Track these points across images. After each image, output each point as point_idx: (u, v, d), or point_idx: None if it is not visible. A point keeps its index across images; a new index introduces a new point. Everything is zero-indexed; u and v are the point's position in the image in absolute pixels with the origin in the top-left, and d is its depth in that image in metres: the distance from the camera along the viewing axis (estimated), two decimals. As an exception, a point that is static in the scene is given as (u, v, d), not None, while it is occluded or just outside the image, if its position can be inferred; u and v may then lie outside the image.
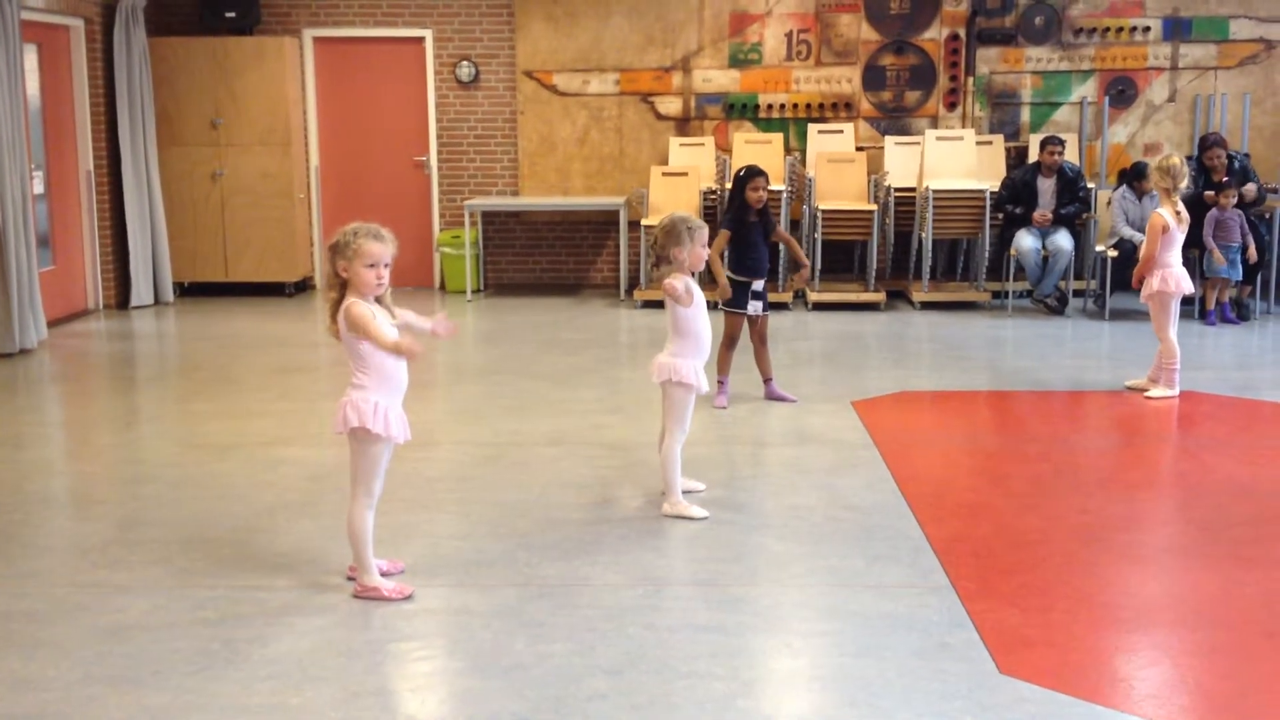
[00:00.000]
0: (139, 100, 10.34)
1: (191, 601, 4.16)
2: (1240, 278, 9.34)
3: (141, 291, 10.46)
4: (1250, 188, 9.30)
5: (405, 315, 4.24)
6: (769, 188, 6.95)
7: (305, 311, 10.31)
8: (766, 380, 7.01)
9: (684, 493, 5.10)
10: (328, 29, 11.25)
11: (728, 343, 6.84)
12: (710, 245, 5.30)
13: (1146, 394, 7.01)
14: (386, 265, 4.04)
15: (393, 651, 3.81)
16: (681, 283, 4.93)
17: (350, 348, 4.06)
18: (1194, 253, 9.07)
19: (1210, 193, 9.19)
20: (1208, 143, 9.46)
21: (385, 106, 11.40)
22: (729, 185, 9.94)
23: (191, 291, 11.07)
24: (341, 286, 4.03)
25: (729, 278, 6.90)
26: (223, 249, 10.97)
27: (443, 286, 11.35)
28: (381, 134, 11.44)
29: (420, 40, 11.24)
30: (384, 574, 4.25)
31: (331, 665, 3.68)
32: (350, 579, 4.26)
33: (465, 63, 11.21)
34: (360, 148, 11.46)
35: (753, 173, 6.89)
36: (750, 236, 6.86)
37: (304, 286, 11.23)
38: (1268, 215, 9.65)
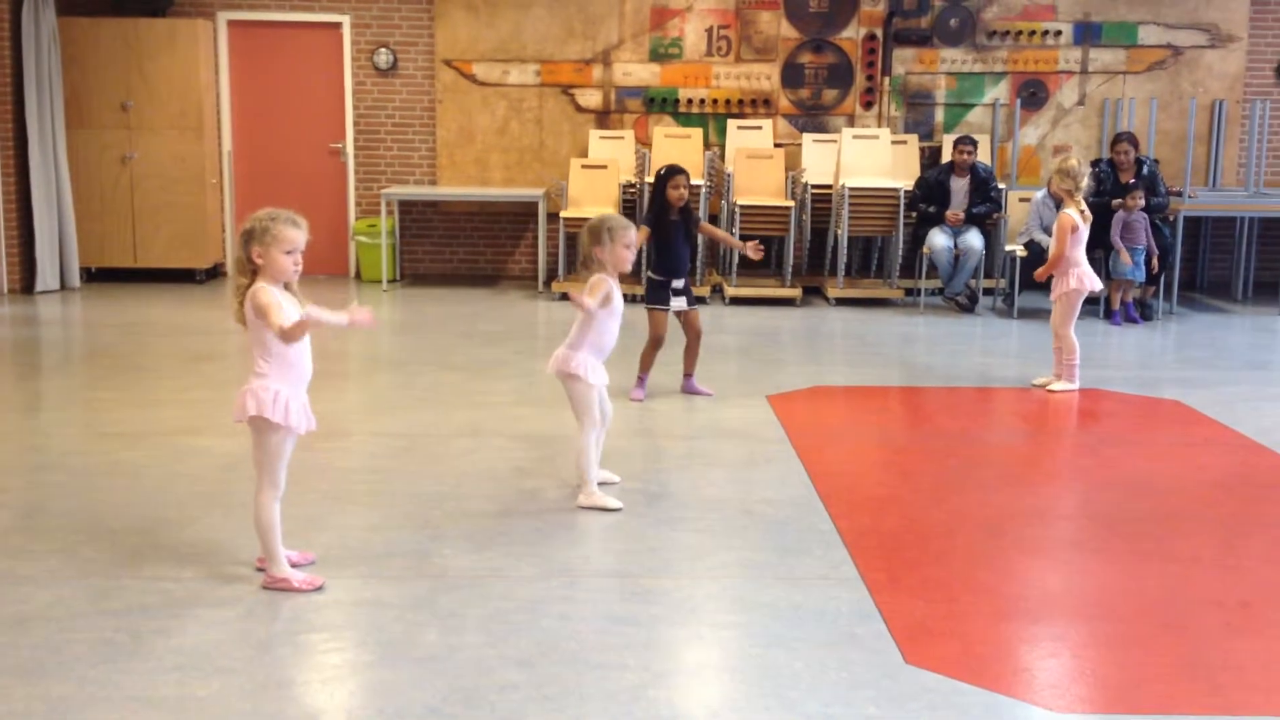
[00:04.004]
0: (47, 81, 10.12)
1: (96, 592, 4.09)
2: (1144, 279, 9.57)
3: (47, 276, 10.23)
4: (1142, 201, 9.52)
5: (315, 312, 4.02)
6: (689, 184, 6.98)
7: (216, 299, 10.15)
8: (686, 375, 7.04)
9: (599, 484, 5.11)
10: (242, 12, 11.09)
11: (654, 343, 6.85)
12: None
13: (1049, 388, 7.19)
14: (301, 251, 4.01)
15: (302, 643, 3.78)
16: (600, 294, 4.92)
17: (254, 334, 4.01)
18: (1099, 253, 9.28)
19: (1117, 200, 9.41)
20: (1118, 138, 9.68)
21: (301, 92, 11.27)
22: (649, 180, 9.99)
23: (99, 277, 10.85)
24: (252, 273, 3.98)
25: (649, 277, 6.93)
26: (132, 234, 10.77)
27: (358, 275, 11.26)
28: (297, 120, 11.30)
29: (337, 26, 11.12)
30: (294, 565, 4.22)
31: (239, 657, 3.64)
32: (259, 570, 4.22)
33: (383, 50, 11.11)
34: (275, 133, 11.32)
35: (673, 171, 6.91)
36: (670, 236, 6.88)
37: (215, 273, 11.07)
38: (1171, 218, 9.89)
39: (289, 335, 3.91)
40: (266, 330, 3.97)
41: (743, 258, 10.08)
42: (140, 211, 10.74)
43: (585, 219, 10.51)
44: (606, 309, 4.97)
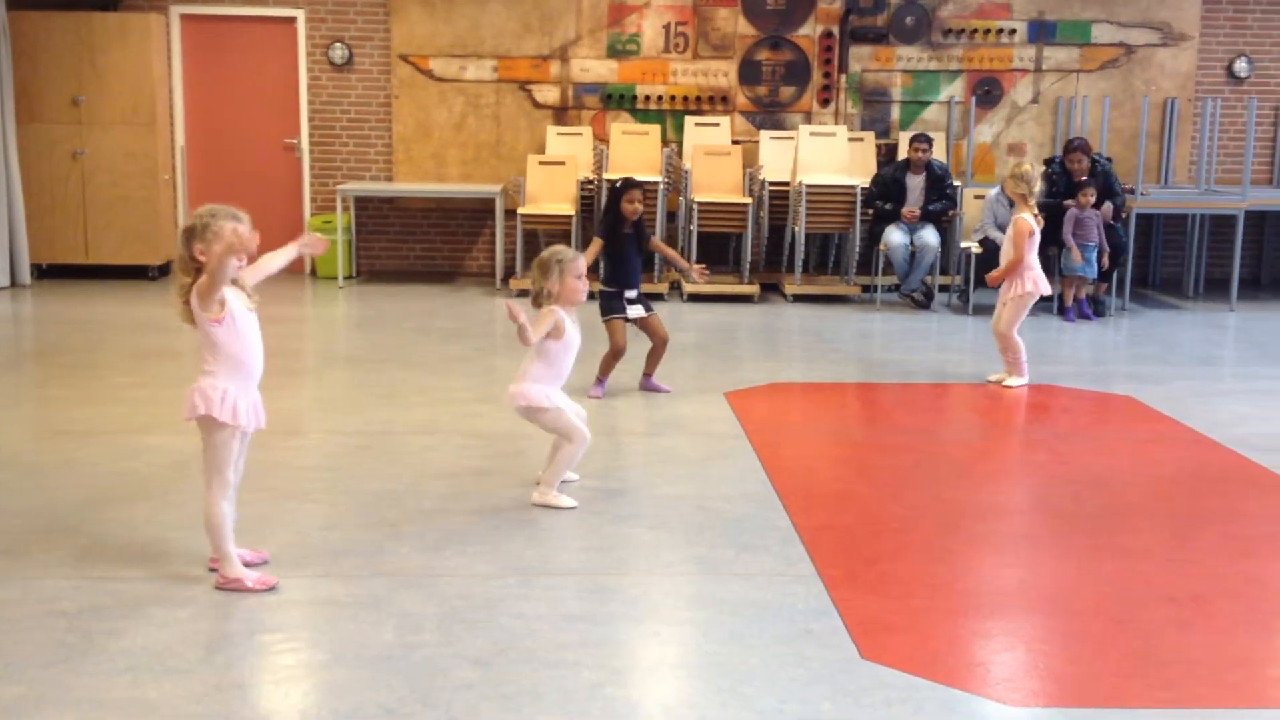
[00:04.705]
0: (-5, 74, 9.98)
1: (46, 592, 4.04)
2: (1096, 276, 9.66)
3: (-3, 273, 10.11)
4: (1107, 208, 9.59)
5: (267, 257, 4.24)
6: (644, 198, 6.98)
7: (168, 295, 10.02)
8: (645, 374, 7.04)
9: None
10: (196, 6, 10.98)
11: (614, 354, 6.82)
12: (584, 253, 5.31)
13: (1005, 384, 7.26)
14: None
15: (255, 643, 3.75)
16: (546, 327, 4.87)
17: (202, 333, 3.99)
18: (1052, 251, 9.36)
19: (1069, 200, 9.50)
20: (1071, 146, 9.76)
21: (255, 87, 11.17)
22: (607, 176, 9.98)
23: (50, 274, 10.72)
24: (196, 272, 3.95)
25: (601, 290, 6.92)
26: (83, 230, 10.64)
27: (313, 272, 11.17)
28: (251, 115, 11.20)
29: (292, 20, 11.04)
30: (247, 564, 4.18)
31: (191, 658, 3.60)
32: (212, 570, 4.18)
33: (339, 44, 11.03)
34: (229, 128, 11.22)
35: (629, 185, 6.90)
36: (623, 249, 6.89)
37: (168, 270, 10.94)
38: (1124, 215, 9.99)
39: (226, 252, 3.84)
40: (213, 326, 3.95)
41: (699, 254, 10.11)
42: (92, 207, 10.61)
43: (543, 215, 10.53)
44: (560, 341, 4.94)
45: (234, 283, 4.00)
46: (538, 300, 5.01)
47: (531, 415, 4.98)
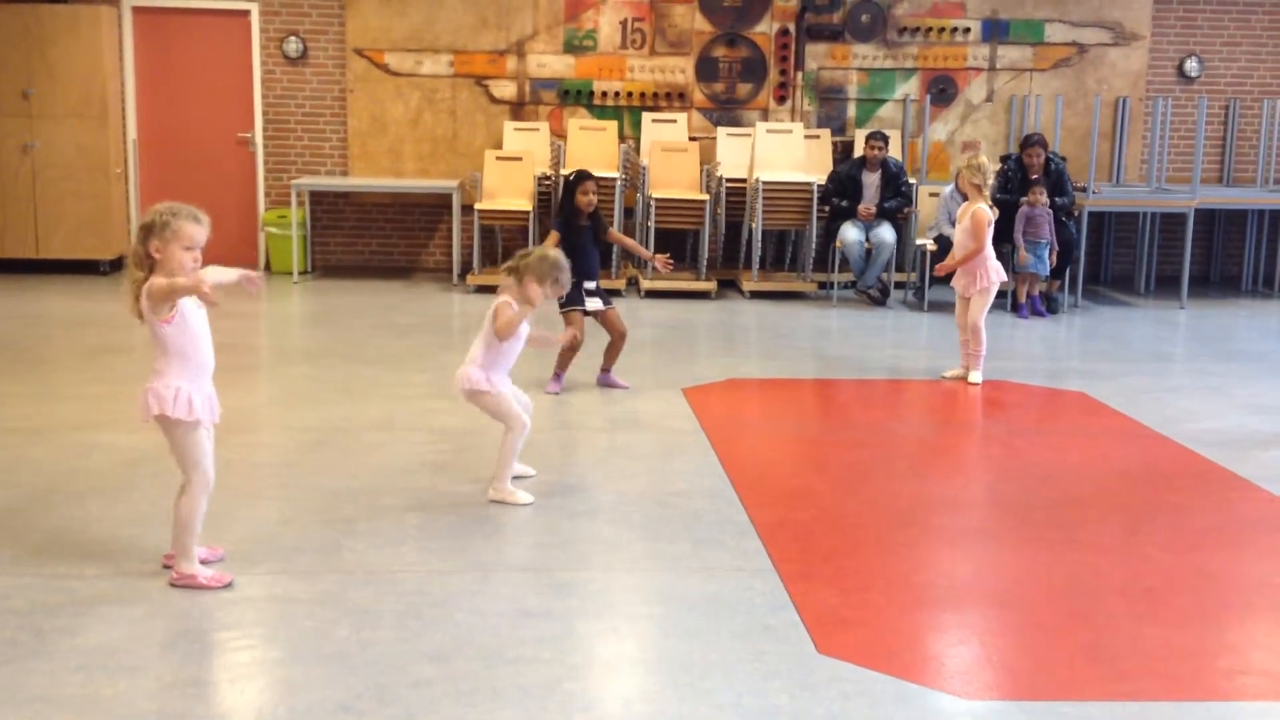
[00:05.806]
0: (-57, 66, 9.84)
1: (-4, 591, 3.99)
2: (1048, 273, 9.75)
3: (-56, 267, 9.96)
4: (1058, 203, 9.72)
5: (212, 272, 4.13)
6: (598, 190, 7.00)
7: (120, 290, 9.92)
8: (603, 369, 7.04)
9: (514, 478, 5.10)
10: (148, -1, 10.87)
11: (571, 346, 6.79)
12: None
13: (969, 380, 7.31)
14: (200, 248, 3.95)
15: (210, 641, 3.72)
16: (520, 321, 4.95)
17: (152, 331, 3.96)
18: (1006, 249, 9.44)
19: (1024, 200, 9.60)
20: (1029, 141, 9.85)
21: (208, 81, 11.06)
22: (565, 172, 9.96)
23: (-1, 268, 10.59)
24: (150, 268, 3.91)
25: None
26: (34, 224, 10.50)
27: (268, 267, 11.09)
28: (204, 109, 11.09)
29: (245, 13, 10.94)
30: (203, 561, 4.15)
31: (146, 655, 3.57)
32: (166, 567, 4.15)
33: (293, 38, 10.95)
34: (182, 122, 11.10)
35: (582, 177, 6.94)
36: (580, 241, 6.89)
37: (120, 265, 10.83)
38: (1076, 213, 10.09)
39: (190, 290, 3.84)
40: (163, 325, 3.91)
41: (656, 250, 10.10)
42: (42, 201, 10.48)
43: (501, 211, 10.49)
44: (512, 337, 4.98)
45: None
46: (513, 276, 5.02)
47: (474, 398, 5.01)
